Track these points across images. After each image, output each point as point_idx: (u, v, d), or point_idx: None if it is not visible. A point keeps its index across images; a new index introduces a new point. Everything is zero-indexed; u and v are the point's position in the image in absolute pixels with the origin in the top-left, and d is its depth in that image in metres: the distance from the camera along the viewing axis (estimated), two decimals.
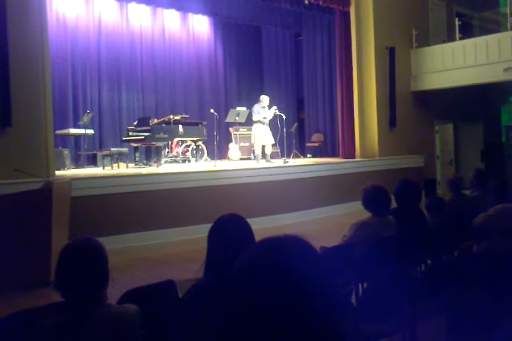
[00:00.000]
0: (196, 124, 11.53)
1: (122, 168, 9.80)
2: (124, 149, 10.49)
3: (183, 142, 11.35)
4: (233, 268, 0.99)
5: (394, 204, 4.16)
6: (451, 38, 12.47)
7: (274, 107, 10.50)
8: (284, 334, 0.90)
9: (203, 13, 13.54)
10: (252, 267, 0.97)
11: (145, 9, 12.93)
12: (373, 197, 3.84)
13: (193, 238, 7.38)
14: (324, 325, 0.92)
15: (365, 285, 3.61)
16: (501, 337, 2.16)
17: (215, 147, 10.07)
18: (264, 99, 10.57)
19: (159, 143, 9.95)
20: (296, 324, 0.90)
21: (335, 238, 4.02)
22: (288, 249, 0.98)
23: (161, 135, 9.86)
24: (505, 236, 3.86)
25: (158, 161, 9.87)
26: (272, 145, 10.88)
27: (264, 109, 10.47)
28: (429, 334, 3.42)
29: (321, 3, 11.60)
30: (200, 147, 11.39)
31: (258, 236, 1.11)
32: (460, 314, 3.14)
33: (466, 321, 3.04)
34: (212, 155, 10.90)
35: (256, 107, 10.46)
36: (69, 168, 9.73)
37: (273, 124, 10.83)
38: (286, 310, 0.90)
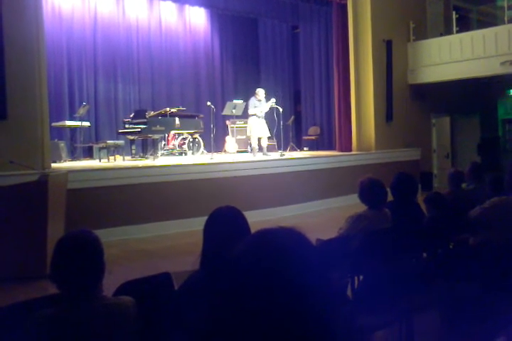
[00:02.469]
0: (193, 117, 11.50)
1: (118, 161, 9.77)
2: (121, 142, 10.45)
3: (179, 135, 11.32)
4: (228, 260, 0.99)
5: (390, 197, 4.17)
6: (448, 32, 12.45)
7: (273, 99, 10.45)
8: (278, 326, 0.89)
9: (200, 5, 13.47)
10: (247, 258, 0.96)
11: (141, 1, 12.85)
12: (369, 190, 3.84)
13: (189, 230, 7.38)
14: (319, 318, 0.92)
15: (361, 277, 3.62)
16: (496, 329, 2.17)
17: (212, 140, 10.05)
18: (260, 92, 10.52)
19: (156, 136, 9.92)
20: (290, 316, 0.90)
21: (331, 231, 4.02)
22: (283, 240, 0.98)
23: (158, 127, 9.83)
24: (500, 228, 3.88)
25: (154, 154, 9.85)
26: (269, 138, 10.86)
27: (261, 102, 10.43)
28: (425, 326, 3.44)
29: None
30: (196, 140, 11.36)
31: (254, 229, 1.11)
32: (455, 306, 3.16)
33: (461, 313, 3.05)
34: (208, 148, 10.88)
35: (252, 101, 10.42)
36: (65, 161, 9.69)
37: (270, 117, 10.80)
38: (280, 302, 0.90)
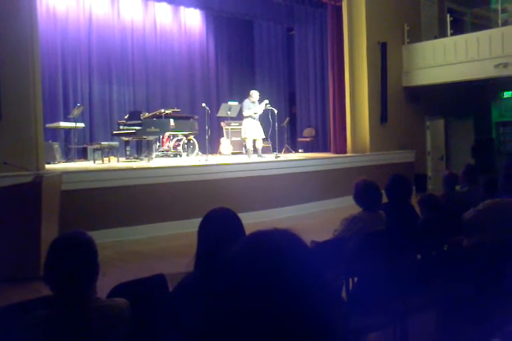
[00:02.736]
0: (188, 118, 11.49)
1: (113, 162, 9.75)
2: (115, 143, 10.43)
3: (174, 136, 11.31)
4: (222, 261, 0.99)
5: (385, 199, 4.17)
6: (442, 34, 12.51)
7: (266, 101, 10.46)
8: (273, 327, 0.89)
9: (195, 7, 13.47)
10: (242, 260, 0.96)
11: (136, 2, 12.84)
12: (364, 192, 3.84)
13: (184, 232, 7.37)
14: (313, 318, 0.92)
15: (355, 279, 3.62)
16: (489, 330, 2.17)
17: (207, 141, 10.04)
18: (254, 94, 10.53)
19: (150, 137, 9.91)
20: (285, 317, 0.90)
21: (326, 232, 4.02)
22: (278, 242, 0.98)
23: (152, 129, 9.82)
24: (494, 231, 3.89)
25: (149, 155, 9.83)
26: (263, 139, 10.87)
27: (254, 104, 10.44)
28: (420, 328, 3.45)
29: None
30: (191, 141, 11.36)
31: (249, 231, 1.11)
32: (450, 308, 3.16)
33: (456, 315, 3.06)
34: (203, 150, 10.87)
35: (246, 102, 10.43)
36: (59, 162, 9.67)
37: (265, 119, 10.81)
38: (275, 303, 0.90)
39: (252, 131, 10.39)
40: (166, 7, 13.41)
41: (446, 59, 11.70)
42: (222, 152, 12.18)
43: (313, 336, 0.91)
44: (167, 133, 11.05)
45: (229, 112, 10.39)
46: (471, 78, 11.51)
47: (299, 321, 0.90)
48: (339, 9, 12.00)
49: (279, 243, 0.98)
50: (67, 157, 10.44)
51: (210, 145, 10.79)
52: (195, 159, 10.50)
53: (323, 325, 0.93)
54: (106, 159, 9.74)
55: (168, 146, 11.39)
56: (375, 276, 3.23)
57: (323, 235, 3.89)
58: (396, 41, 12.44)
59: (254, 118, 10.42)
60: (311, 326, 0.91)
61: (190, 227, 6.34)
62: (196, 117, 11.64)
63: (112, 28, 12.38)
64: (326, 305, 0.95)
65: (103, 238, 6.21)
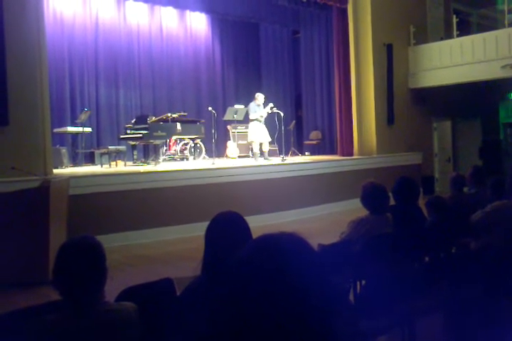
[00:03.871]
0: (194, 122, 11.52)
1: (120, 166, 9.78)
2: (122, 147, 10.46)
3: (181, 140, 11.33)
4: (229, 265, 0.99)
5: (392, 202, 4.16)
6: (448, 35, 12.47)
7: (270, 104, 10.47)
8: (279, 330, 0.89)
9: (201, 11, 13.51)
10: (249, 263, 0.97)
11: (142, 7, 12.89)
12: (371, 195, 3.83)
13: (191, 236, 7.38)
14: (321, 322, 0.92)
15: (363, 282, 3.61)
16: (497, 333, 2.17)
17: (213, 145, 10.05)
18: (259, 97, 10.53)
19: (157, 141, 9.94)
20: (291, 319, 0.90)
21: (333, 235, 4.02)
22: (284, 246, 0.98)
23: (159, 133, 9.85)
24: (502, 232, 3.87)
25: (156, 159, 9.86)
26: (270, 142, 10.87)
27: (260, 107, 10.45)
28: (427, 331, 3.43)
29: (318, 0, 11.61)
30: (198, 145, 11.38)
31: (256, 234, 1.11)
32: (458, 310, 3.15)
33: (463, 317, 3.05)
34: (210, 153, 10.88)
35: (252, 105, 10.44)
36: (66, 167, 9.71)
37: (271, 122, 10.81)
38: (281, 305, 0.90)
39: (259, 134, 10.39)
40: (172, 11, 13.46)
41: (453, 60, 11.67)
42: (228, 155, 12.20)
43: (319, 339, 0.91)
44: (174, 137, 11.07)
45: (235, 115, 10.40)
46: (477, 79, 11.47)
47: (304, 324, 0.90)
48: (344, 11, 12.01)
49: (286, 247, 0.98)
50: (75, 161, 10.49)
51: (217, 149, 10.81)
52: (202, 163, 10.52)
53: (328, 329, 0.93)
54: (113, 163, 9.78)
55: (175, 150, 11.42)
56: (382, 279, 3.23)
57: (330, 238, 3.88)
58: (402, 43, 12.42)
59: (260, 122, 10.43)
60: (316, 329, 0.91)
61: (197, 231, 6.34)
62: (203, 121, 11.67)
63: (118, 33, 12.45)
64: (332, 309, 0.95)
65: (111, 242, 6.23)
